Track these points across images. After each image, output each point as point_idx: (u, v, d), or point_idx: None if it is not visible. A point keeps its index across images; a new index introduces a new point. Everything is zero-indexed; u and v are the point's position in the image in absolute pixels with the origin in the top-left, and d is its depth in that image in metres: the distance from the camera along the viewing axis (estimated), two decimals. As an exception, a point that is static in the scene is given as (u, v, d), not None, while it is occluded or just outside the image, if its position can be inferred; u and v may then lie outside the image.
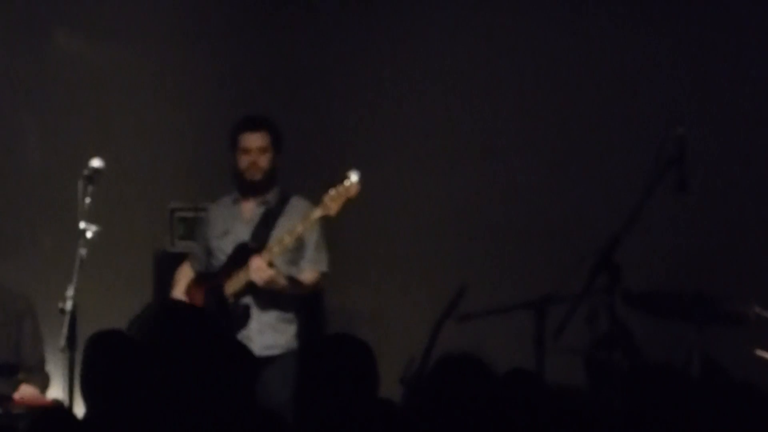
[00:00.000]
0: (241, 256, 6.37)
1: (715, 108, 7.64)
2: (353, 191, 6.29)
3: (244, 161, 6.45)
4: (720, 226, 7.35)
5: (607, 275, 6.19)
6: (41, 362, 7.03)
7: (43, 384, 6.98)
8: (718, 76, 7.83)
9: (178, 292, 6.61)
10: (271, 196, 6.49)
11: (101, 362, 3.63)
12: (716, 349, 6.25)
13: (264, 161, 6.48)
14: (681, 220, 7.05)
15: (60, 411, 5.18)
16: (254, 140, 6.50)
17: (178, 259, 7.07)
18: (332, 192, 6.29)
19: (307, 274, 6.41)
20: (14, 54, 8.42)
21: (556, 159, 7.79)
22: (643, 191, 6.21)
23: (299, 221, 6.32)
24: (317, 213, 6.27)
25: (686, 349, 6.35)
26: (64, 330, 6.26)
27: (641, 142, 7.06)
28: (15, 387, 6.75)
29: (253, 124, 6.51)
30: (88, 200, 6.30)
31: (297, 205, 6.45)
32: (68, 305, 6.16)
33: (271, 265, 6.28)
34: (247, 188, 6.58)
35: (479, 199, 7.83)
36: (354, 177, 6.30)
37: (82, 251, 6.21)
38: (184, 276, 6.66)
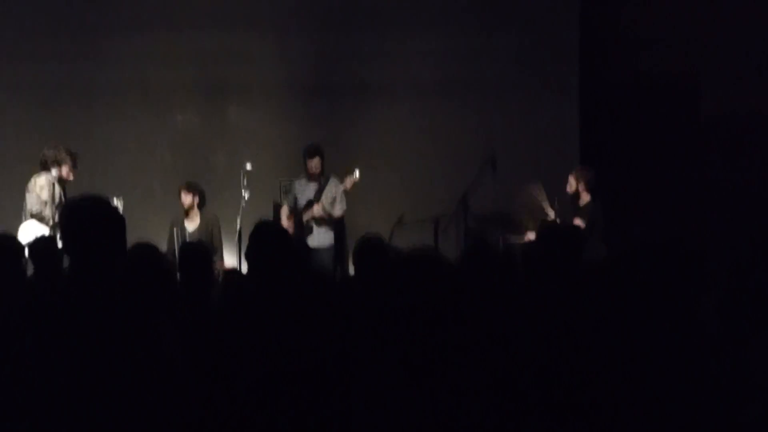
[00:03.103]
0: (310, 204, 11.55)
1: (513, 127, 12.81)
2: (357, 178, 11.48)
3: (311, 167, 11.57)
4: (509, 186, 11.84)
5: (463, 207, 11.76)
6: (221, 247, 11.64)
7: (221, 258, 11.52)
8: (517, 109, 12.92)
9: (284, 217, 11.71)
10: (323, 178, 11.65)
11: (258, 239, 5.10)
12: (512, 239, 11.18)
13: (317, 168, 11.65)
14: (494, 184, 11.93)
15: (235, 271, 9.66)
16: (313, 162, 11.58)
17: (280, 205, 12.06)
18: (347, 178, 11.49)
19: (337, 212, 11.57)
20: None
21: (443, 159, 12.78)
22: (477, 174, 11.85)
23: (333, 189, 11.44)
24: (340, 187, 11.52)
25: (497, 240, 11.33)
26: (237, 236, 11.06)
27: (475, 147, 12.33)
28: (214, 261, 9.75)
29: (312, 151, 11.60)
30: (245, 182, 11.35)
31: (332, 181, 11.58)
32: (238, 225, 11.00)
33: (322, 208, 11.46)
34: (311, 177, 11.69)
35: (414, 181, 12.81)
36: (357, 172, 11.52)
37: (243, 203, 11.23)
38: (284, 211, 11.78)
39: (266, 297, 4.59)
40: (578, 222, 10.61)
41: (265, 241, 4.93)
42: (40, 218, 10.94)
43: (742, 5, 12.89)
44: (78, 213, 3.90)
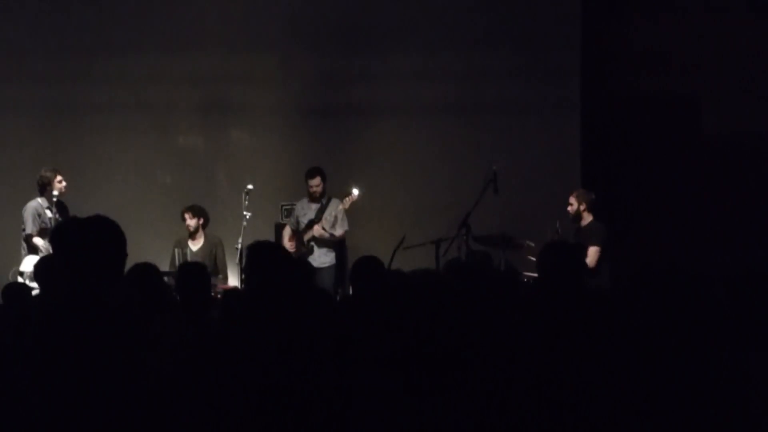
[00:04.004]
0: (311, 224, 11.68)
1: (514, 148, 12.72)
2: (356, 197, 11.63)
3: (311, 187, 11.70)
4: (511, 207, 12.00)
5: (465, 228, 11.17)
6: (225, 268, 11.89)
7: (225, 279, 11.82)
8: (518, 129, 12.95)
9: (286, 238, 11.80)
10: (324, 199, 11.75)
11: (255, 256, 5.03)
12: (512, 259, 10.90)
13: (318, 188, 11.79)
14: (495, 205, 11.39)
15: (236, 290, 10.29)
16: (314, 181, 11.75)
17: (283, 225, 12.18)
18: (346, 198, 11.61)
19: (339, 232, 11.69)
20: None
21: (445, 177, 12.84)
22: (480, 192, 11.18)
23: (333, 211, 11.49)
24: (340, 207, 11.59)
25: (498, 259, 10.74)
26: (237, 257, 11.21)
27: (476, 168, 11.85)
28: (215, 280, 10.48)
29: (313, 172, 11.74)
30: (246, 202, 11.49)
31: (334, 202, 11.69)
32: (239, 245, 11.09)
33: (322, 228, 11.62)
34: (312, 198, 11.85)
35: (415, 202, 12.86)
36: (355, 191, 11.67)
37: (245, 223, 11.33)
38: (287, 231, 11.88)
39: (262, 314, 4.61)
40: (594, 248, 10.77)
41: (260, 259, 4.89)
42: (27, 242, 11.26)
43: (743, 26, 13.02)
44: (79, 231, 3.95)
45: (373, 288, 6.48)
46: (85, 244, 3.86)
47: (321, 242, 11.88)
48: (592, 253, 10.76)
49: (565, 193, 11.37)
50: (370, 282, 6.65)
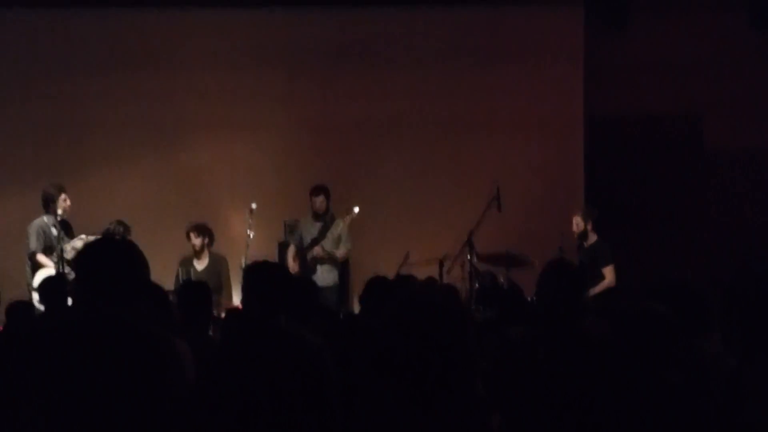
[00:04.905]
0: (314, 242, 11.74)
1: (517, 165, 12.83)
2: (355, 215, 11.54)
3: (315, 205, 11.74)
4: (514, 225, 12.09)
5: (468, 246, 11.20)
6: (230, 287, 11.79)
7: (230, 298, 11.68)
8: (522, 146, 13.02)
9: (290, 257, 11.86)
10: (328, 217, 11.80)
11: (252, 277, 5.14)
12: (515, 277, 10.80)
13: (322, 206, 11.84)
14: (499, 222, 11.52)
15: (238, 310, 8.99)
16: (318, 199, 11.77)
17: (287, 244, 12.23)
18: (346, 216, 11.58)
19: (341, 251, 11.72)
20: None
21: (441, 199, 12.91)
22: (483, 210, 11.34)
23: (337, 230, 11.48)
24: (340, 225, 11.64)
25: (501, 277, 10.92)
26: (242, 276, 10.70)
27: (479, 185, 11.85)
28: (219, 299, 10.81)
29: (317, 190, 11.78)
30: (250, 221, 11.53)
31: (337, 221, 11.71)
32: (243, 263, 10.82)
33: (322, 248, 11.66)
34: (316, 216, 11.90)
35: (419, 220, 12.89)
36: (356, 208, 11.56)
37: (249, 240, 11.34)
38: (291, 250, 11.89)
39: (261, 333, 4.65)
40: (609, 267, 10.90)
41: (258, 279, 4.96)
42: (31, 259, 11.21)
43: (744, 43, 13.11)
44: (102, 252, 3.96)
45: (383, 308, 6.52)
46: (107, 265, 3.88)
47: (323, 261, 11.89)
48: (609, 272, 10.93)
49: (569, 210, 11.45)
50: (380, 302, 6.60)
